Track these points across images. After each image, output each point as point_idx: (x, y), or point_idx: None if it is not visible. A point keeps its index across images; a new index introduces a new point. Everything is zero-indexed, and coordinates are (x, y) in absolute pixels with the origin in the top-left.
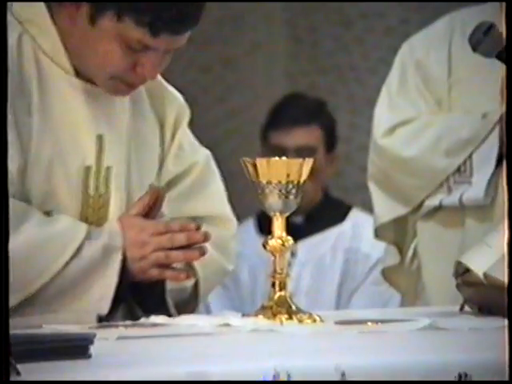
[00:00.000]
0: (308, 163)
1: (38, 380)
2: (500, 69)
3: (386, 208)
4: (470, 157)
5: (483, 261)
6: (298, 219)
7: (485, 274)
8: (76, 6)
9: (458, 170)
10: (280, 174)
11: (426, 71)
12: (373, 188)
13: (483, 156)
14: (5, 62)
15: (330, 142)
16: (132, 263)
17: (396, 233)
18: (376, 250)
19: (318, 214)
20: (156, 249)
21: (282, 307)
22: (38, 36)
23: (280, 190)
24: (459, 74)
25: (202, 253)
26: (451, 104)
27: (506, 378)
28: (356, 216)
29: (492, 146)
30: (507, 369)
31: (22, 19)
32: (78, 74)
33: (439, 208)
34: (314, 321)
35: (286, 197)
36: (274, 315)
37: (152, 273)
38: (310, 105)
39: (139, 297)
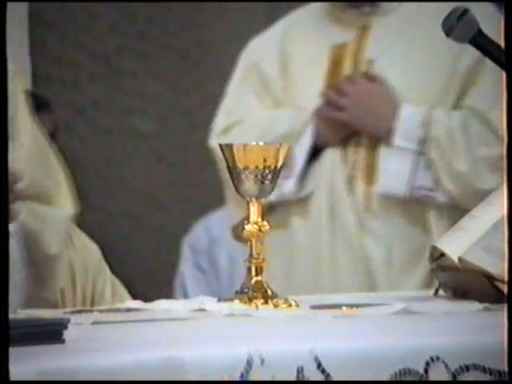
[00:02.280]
0: (284, 148)
1: (38, 380)
2: (324, 67)
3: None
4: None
5: (458, 245)
6: None
7: (460, 259)
8: None
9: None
10: (256, 159)
11: (261, 72)
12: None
13: (299, 150)
14: (4, 62)
15: None
16: None
17: None
18: None
19: None
20: None
21: (257, 292)
22: None
23: (256, 176)
24: (292, 73)
25: None
26: (287, 103)
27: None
28: None
29: (306, 139)
30: (507, 369)
31: None
32: None
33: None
34: (290, 305)
35: (262, 182)
36: (250, 300)
37: None
38: None
39: None
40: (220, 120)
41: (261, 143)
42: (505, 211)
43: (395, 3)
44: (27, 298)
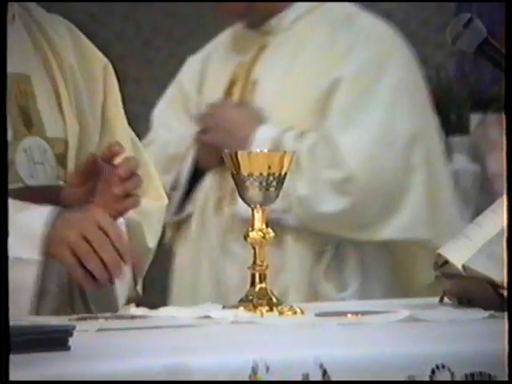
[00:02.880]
0: (289, 156)
1: (39, 380)
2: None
3: None
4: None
5: (462, 253)
6: None
7: (464, 266)
8: None
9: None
10: (261, 166)
11: (182, 88)
12: None
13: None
14: (4, 62)
15: None
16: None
17: None
18: None
19: None
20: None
21: (262, 299)
22: None
23: (261, 183)
24: (205, 92)
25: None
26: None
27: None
28: None
29: (187, 163)
30: (507, 369)
31: None
32: None
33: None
34: (295, 313)
35: (267, 189)
36: (255, 307)
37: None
38: None
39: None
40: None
41: (265, 150)
42: (504, 218)
43: (288, 22)
44: (130, 289)
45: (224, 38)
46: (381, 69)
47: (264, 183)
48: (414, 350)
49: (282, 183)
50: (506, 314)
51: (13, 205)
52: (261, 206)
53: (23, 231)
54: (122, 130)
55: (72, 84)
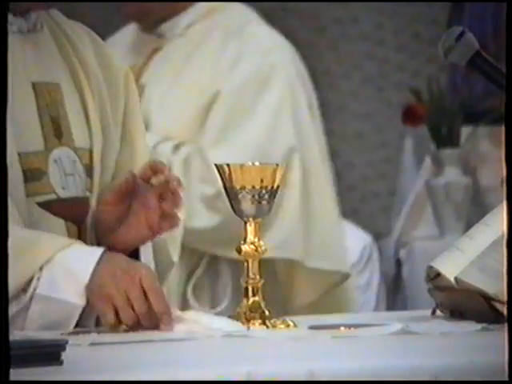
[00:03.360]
0: (281, 169)
1: (39, 380)
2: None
3: None
4: None
5: (454, 265)
6: None
7: (456, 279)
8: None
9: None
10: (253, 179)
11: None
12: None
13: None
14: (5, 62)
15: None
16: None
17: None
18: (352, 255)
19: None
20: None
21: (255, 312)
22: None
23: (253, 196)
24: None
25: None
26: None
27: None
28: None
29: None
30: (507, 369)
31: None
32: None
33: None
34: (288, 326)
35: (259, 202)
36: (248, 320)
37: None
38: None
39: None
40: None
41: (257, 163)
42: (504, 226)
43: (181, 27)
44: None
45: (122, 36)
46: (263, 85)
47: (256, 196)
48: (408, 362)
49: (275, 196)
50: (506, 312)
51: (59, 240)
52: (253, 218)
53: (71, 271)
54: (141, 140)
55: (96, 92)
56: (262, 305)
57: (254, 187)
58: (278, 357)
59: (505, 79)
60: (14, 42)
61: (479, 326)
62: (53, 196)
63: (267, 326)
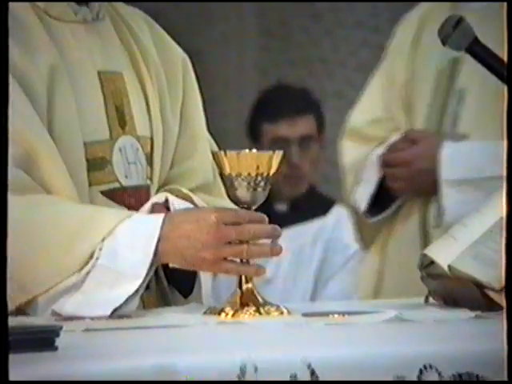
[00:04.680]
0: (278, 156)
1: (39, 380)
2: None
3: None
4: None
5: (448, 253)
6: (283, 207)
7: (449, 267)
8: None
9: None
10: (250, 166)
11: None
12: None
13: None
14: (5, 62)
15: (321, 128)
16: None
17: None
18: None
19: (302, 204)
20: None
21: (249, 300)
22: None
23: (249, 183)
24: None
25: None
26: None
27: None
28: (339, 211)
29: None
30: (506, 369)
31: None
32: None
33: None
34: (282, 313)
35: (255, 189)
36: (242, 308)
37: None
38: (304, 94)
39: (172, 281)
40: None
41: (254, 150)
42: (504, 212)
43: None
44: None
45: None
46: None
47: (252, 183)
48: (402, 350)
49: (270, 183)
50: (504, 312)
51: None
52: (249, 206)
53: (133, 242)
54: (200, 130)
55: (156, 81)
56: (256, 292)
57: (249, 174)
58: (273, 344)
59: (504, 68)
60: (79, 31)
61: (473, 314)
62: (116, 185)
63: (261, 313)
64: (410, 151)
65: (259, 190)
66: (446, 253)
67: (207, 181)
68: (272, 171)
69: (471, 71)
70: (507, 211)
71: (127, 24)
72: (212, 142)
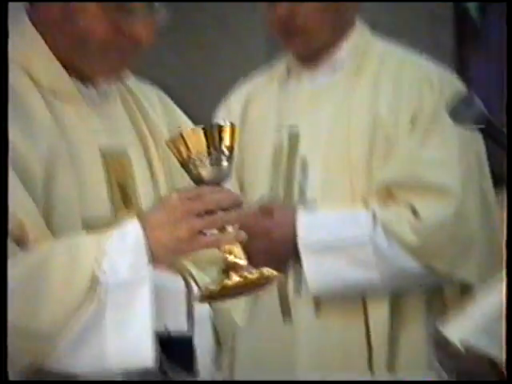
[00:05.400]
0: (234, 127)
1: (39, 380)
2: None
3: None
4: None
5: (460, 328)
6: None
7: (461, 342)
8: None
9: None
10: (208, 142)
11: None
12: None
13: None
14: (5, 61)
15: None
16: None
17: None
18: None
19: None
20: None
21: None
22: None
23: (211, 159)
24: None
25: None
26: None
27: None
28: None
29: None
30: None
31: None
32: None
33: None
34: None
35: (218, 165)
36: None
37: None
38: None
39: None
40: None
41: (214, 122)
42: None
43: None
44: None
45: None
46: None
47: (214, 159)
48: None
49: (233, 156)
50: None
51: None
52: (217, 183)
53: (125, 253)
54: None
55: (166, 158)
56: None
57: (209, 150)
58: None
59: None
60: (84, 111)
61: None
62: None
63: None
64: (267, 222)
65: (224, 164)
66: (457, 328)
67: None
68: (234, 144)
69: (310, 140)
70: (507, 211)
71: (136, 99)
72: None
